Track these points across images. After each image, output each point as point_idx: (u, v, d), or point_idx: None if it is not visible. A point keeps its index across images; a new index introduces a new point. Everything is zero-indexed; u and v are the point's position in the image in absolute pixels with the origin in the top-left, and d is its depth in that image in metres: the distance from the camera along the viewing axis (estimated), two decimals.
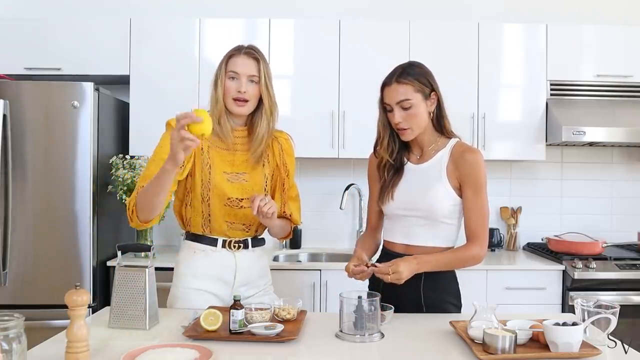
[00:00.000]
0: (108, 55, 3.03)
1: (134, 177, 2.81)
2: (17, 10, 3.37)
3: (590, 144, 3.29)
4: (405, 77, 1.68)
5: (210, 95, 1.76)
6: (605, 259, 2.87)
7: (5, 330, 1.07)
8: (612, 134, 2.99)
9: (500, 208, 3.42)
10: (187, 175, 1.76)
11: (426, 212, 1.70)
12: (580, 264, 2.76)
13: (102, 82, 3.06)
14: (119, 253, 1.61)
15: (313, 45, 3.07)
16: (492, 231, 3.25)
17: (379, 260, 1.79)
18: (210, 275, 1.78)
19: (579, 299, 1.47)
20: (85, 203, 2.68)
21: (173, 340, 1.38)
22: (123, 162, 2.89)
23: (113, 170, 2.86)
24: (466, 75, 3.06)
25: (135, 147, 3.02)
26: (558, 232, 3.24)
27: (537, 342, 1.36)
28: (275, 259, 3.11)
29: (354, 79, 3.03)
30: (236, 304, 1.43)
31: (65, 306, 1.21)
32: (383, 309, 1.54)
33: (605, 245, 2.95)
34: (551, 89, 3.12)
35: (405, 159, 1.79)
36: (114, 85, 3.20)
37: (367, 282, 1.84)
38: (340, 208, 3.23)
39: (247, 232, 1.83)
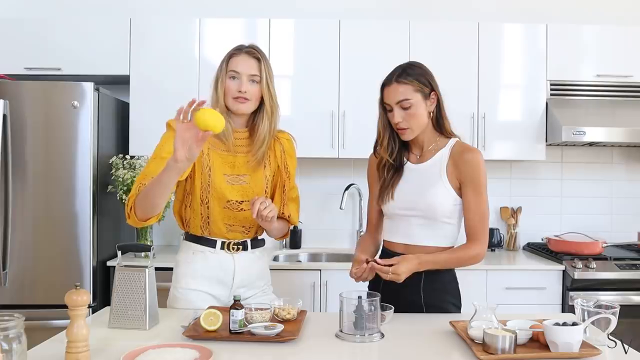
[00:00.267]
0: (108, 55, 3.03)
1: (134, 177, 2.81)
2: (17, 10, 3.37)
3: (590, 144, 3.29)
4: (405, 77, 1.68)
5: (211, 96, 1.75)
6: (605, 259, 2.87)
7: (5, 330, 1.07)
8: (612, 134, 2.99)
9: (500, 208, 3.42)
10: (187, 177, 1.74)
11: (426, 212, 1.70)
12: (580, 264, 2.76)
13: (102, 82, 3.06)
14: (119, 253, 1.61)
15: (313, 45, 3.07)
16: (492, 231, 3.25)
17: None
18: (209, 277, 1.78)
19: (579, 299, 1.47)
20: (85, 203, 2.67)
21: (173, 340, 1.38)
22: (123, 162, 2.89)
23: (113, 170, 2.87)
24: (466, 75, 3.06)
25: (135, 147, 3.02)
26: (558, 232, 3.25)
27: (537, 342, 1.36)
28: (275, 259, 3.11)
29: (354, 79, 3.03)
30: (236, 304, 1.43)
31: (65, 306, 1.21)
32: (383, 309, 1.54)
33: (605, 245, 2.95)
34: (551, 89, 3.12)
35: (405, 159, 1.79)
36: (114, 85, 3.19)
37: (367, 282, 1.84)
38: (340, 208, 3.23)
39: (247, 234, 1.82)
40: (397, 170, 1.78)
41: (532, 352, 1.31)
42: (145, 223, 1.65)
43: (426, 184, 1.71)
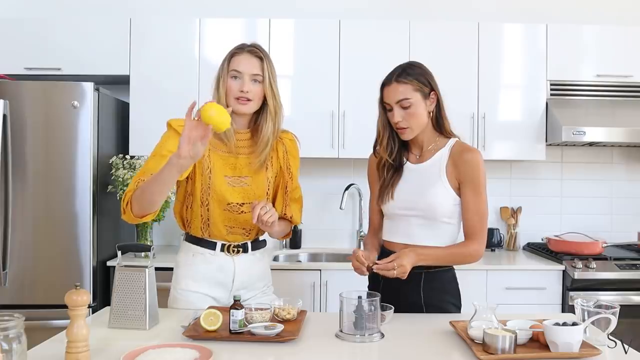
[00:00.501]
0: (108, 55, 3.03)
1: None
2: (17, 10, 3.37)
3: (590, 144, 3.29)
4: (405, 76, 1.68)
5: (212, 96, 1.72)
6: (605, 259, 2.87)
7: (5, 330, 1.07)
8: (612, 134, 2.99)
9: (500, 208, 3.42)
10: (188, 179, 1.73)
11: (426, 212, 1.70)
12: (580, 264, 2.76)
13: (102, 82, 3.06)
14: (119, 253, 1.61)
15: (313, 45, 3.07)
16: (492, 231, 3.25)
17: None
18: (209, 279, 1.76)
19: (579, 299, 1.47)
20: (85, 203, 2.67)
21: (173, 340, 1.38)
22: (123, 162, 2.89)
23: (113, 170, 2.87)
24: (466, 75, 3.06)
25: (135, 147, 3.02)
26: (558, 232, 3.24)
27: (537, 342, 1.36)
28: (275, 259, 3.11)
29: (354, 78, 3.03)
30: (236, 304, 1.43)
31: (65, 306, 1.21)
32: (383, 309, 1.54)
33: (605, 245, 2.95)
34: (551, 89, 3.12)
35: (405, 159, 1.79)
36: (114, 85, 3.19)
37: (367, 282, 1.84)
38: (340, 208, 3.23)
39: (247, 236, 1.80)
40: (396, 170, 1.78)
41: (532, 352, 1.31)
42: (141, 220, 1.62)
43: (426, 183, 1.71)
